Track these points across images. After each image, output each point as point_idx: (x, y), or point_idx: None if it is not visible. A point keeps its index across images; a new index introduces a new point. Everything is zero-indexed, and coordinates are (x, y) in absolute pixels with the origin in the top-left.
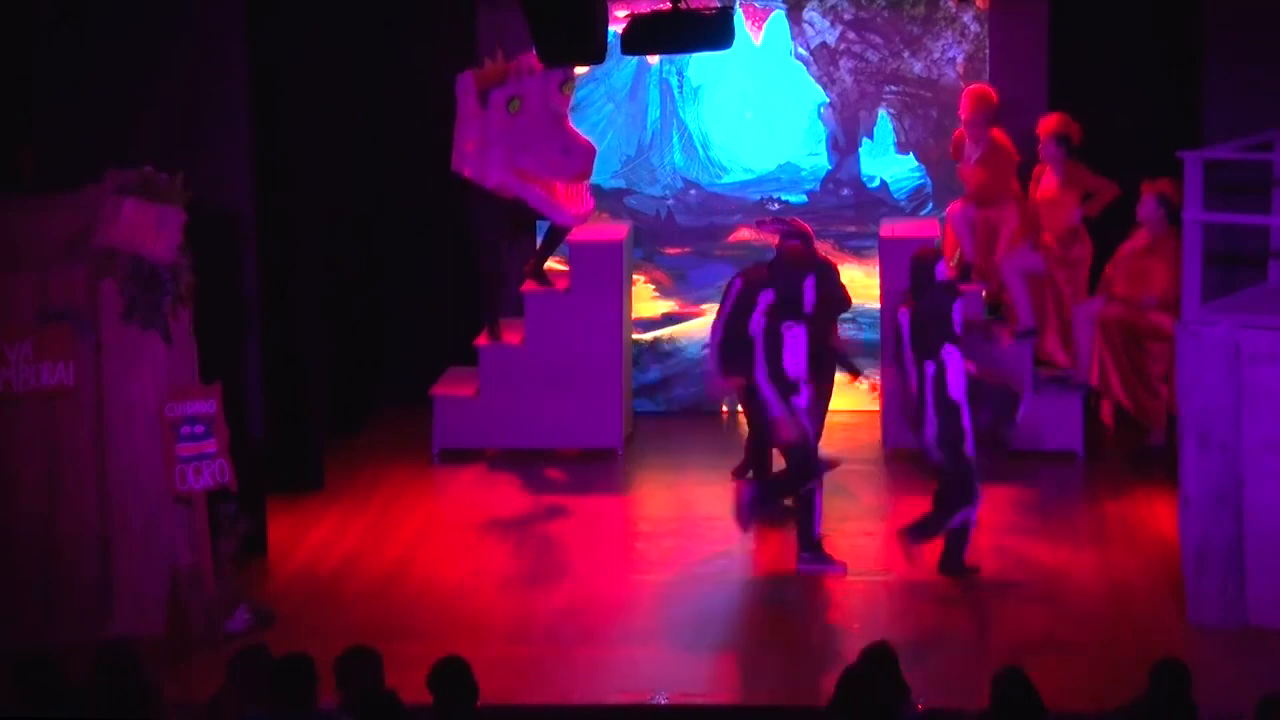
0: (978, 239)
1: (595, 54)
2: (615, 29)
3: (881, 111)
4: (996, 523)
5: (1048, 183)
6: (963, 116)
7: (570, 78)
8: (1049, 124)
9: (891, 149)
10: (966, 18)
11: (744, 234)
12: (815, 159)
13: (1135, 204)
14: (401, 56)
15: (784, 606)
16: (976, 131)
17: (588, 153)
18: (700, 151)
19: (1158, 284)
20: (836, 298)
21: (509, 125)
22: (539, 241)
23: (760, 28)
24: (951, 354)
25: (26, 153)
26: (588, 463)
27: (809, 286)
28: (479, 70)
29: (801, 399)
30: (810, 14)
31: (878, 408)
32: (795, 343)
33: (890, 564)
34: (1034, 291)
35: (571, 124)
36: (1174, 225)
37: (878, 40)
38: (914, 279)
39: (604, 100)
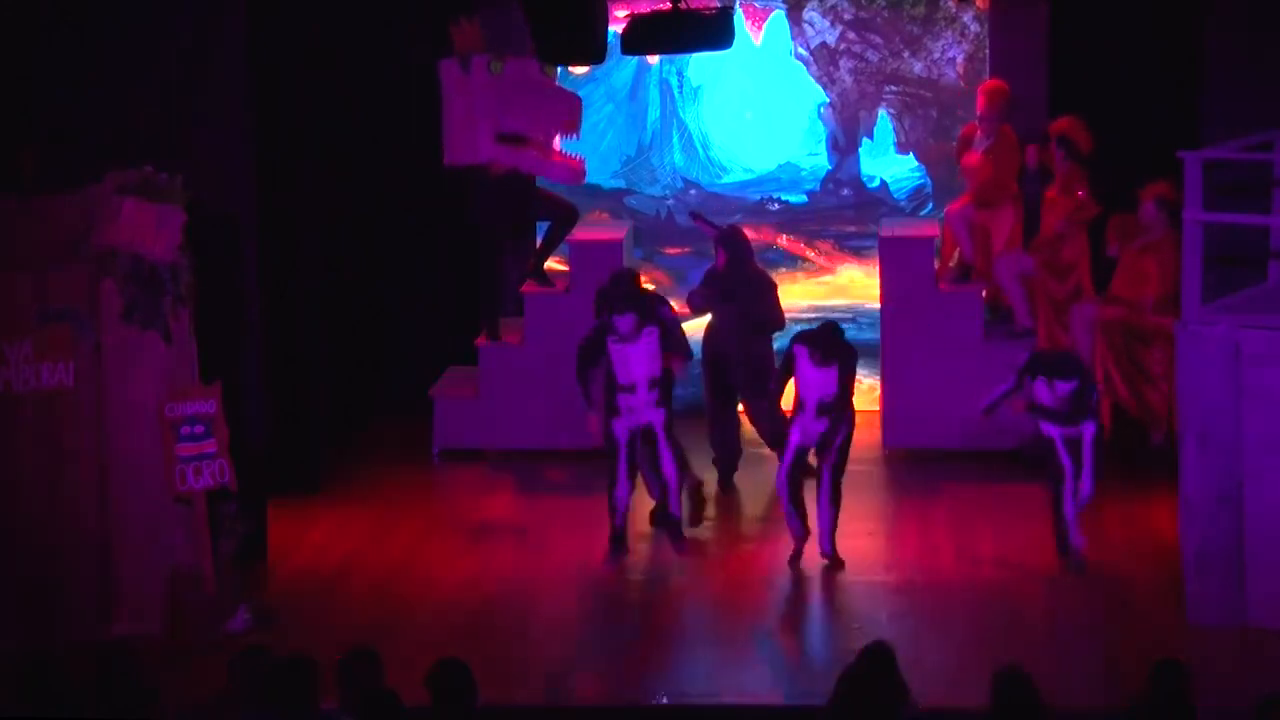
0: (976, 239)
1: (595, 54)
2: (615, 29)
3: (881, 111)
4: (997, 523)
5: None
6: (979, 111)
7: None
8: (1057, 125)
9: (891, 149)
10: (966, 18)
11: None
12: (815, 159)
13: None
14: (401, 56)
15: (784, 606)
16: (990, 126)
17: (571, 98)
18: (700, 151)
19: (1152, 285)
20: (760, 320)
21: (492, 88)
22: (539, 241)
23: (760, 28)
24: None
25: (26, 153)
26: (588, 463)
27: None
28: (457, 30)
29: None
30: (810, 14)
31: (878, 408)
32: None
33: (890, 564)
34: (1029, 294)
35: None
36: (1175, 227)
37: (878, 40)
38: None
39: (604, 100)
